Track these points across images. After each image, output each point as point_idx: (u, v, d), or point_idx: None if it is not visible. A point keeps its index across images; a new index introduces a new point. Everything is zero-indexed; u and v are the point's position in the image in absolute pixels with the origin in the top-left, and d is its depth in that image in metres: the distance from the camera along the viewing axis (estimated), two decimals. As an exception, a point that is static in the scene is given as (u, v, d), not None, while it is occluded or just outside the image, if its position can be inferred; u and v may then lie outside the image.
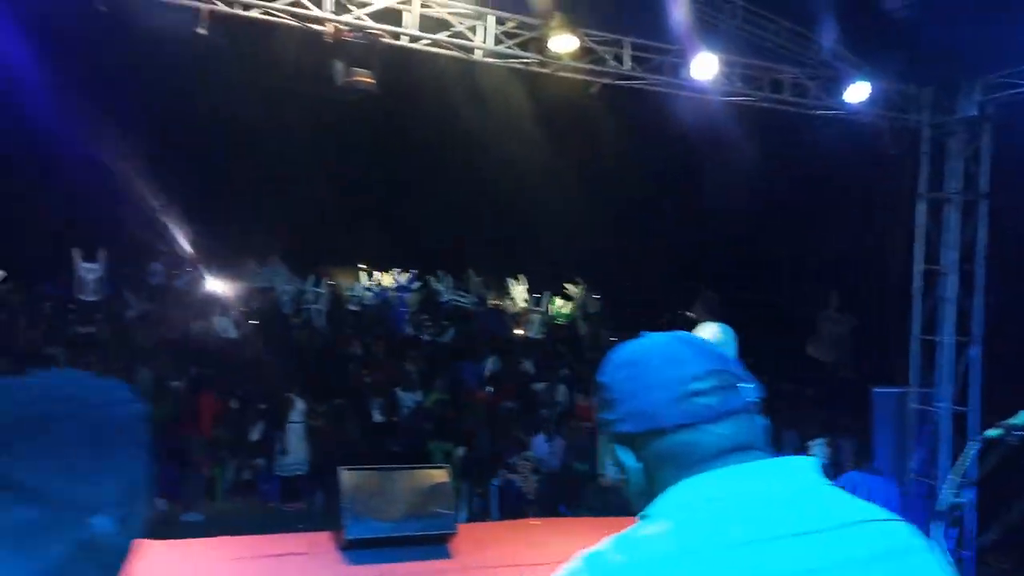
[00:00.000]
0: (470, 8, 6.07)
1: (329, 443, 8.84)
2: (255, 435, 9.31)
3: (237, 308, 12.45)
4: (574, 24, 5.99)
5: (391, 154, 13.31)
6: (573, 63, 6.39)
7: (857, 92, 6.84)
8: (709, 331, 5.31)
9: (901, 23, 6.31)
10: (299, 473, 9.20)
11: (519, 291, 14.83)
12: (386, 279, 14.37)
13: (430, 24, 6.07)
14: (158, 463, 8.78)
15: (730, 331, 5.32)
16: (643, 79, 6.58)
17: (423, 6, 5.93)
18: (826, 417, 8.71)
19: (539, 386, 11.02)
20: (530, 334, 13.52)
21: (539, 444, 9.33)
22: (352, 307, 13.64)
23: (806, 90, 7.03)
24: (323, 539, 6.05)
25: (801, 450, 6.50)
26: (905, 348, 7.83)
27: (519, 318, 14.10)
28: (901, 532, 0.99)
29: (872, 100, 7.00)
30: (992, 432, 3.72)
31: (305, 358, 10.92)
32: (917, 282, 7.71)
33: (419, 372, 10.54)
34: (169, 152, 12.76)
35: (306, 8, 5.64)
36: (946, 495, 4.41)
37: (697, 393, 1.04)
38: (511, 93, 8.21)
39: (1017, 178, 7.43)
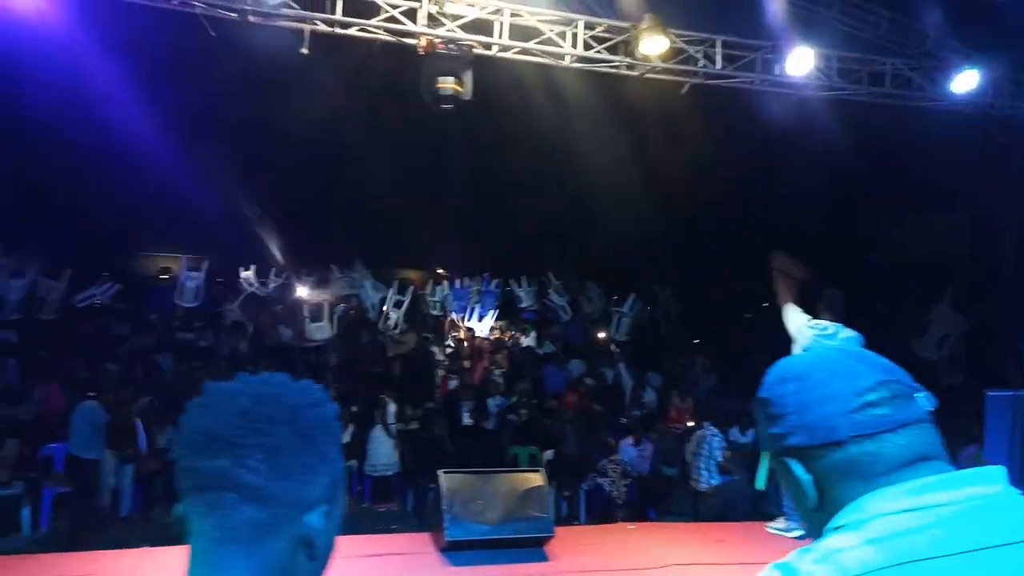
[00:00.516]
0: (559, 14, 6.10)
1: (419, 445, 9.01)
2: (346, 437, 9.58)
3: (326, 313, 12.83)
4: (664, 25, 5.93)
5: (472, 160, 13.47)
6: (662, 64, 6.33)
7: (965, 82, 6.51)
8: (805, 337, 5.15)
9: (1010, 7, 5.98)
10: (389, 474, 9.40)
11: (599, 294, 14.75)
12: (468, 284, 14.53)
13: (519, 32, 6.14)
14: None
15: (857, 336, 5.16)
16: (735, 77, 6.46)
17: (513, 15, 6.00)
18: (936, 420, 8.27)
19: (626, 389, 10.95)
20: (613, 337, 13.43)
21: (627, 448, 9.25)
22: (435, 312, 13.87)
23: (908, 82, 6.74)
24: (421, 540, 6.14)
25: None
26: (1017, 348, 7.39)
27: (601, 321, 14.02)
28: None
29: (980, 90, 6.65)
30: None
31: (392, 361, 11.17)
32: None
33: (504, 376, 10.63)
34: (261, 164, 13.35)
35: (400, 23, 5.80)
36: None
37: (872, 404, 1.02)
38: (594, 97, 8.18)
39: None
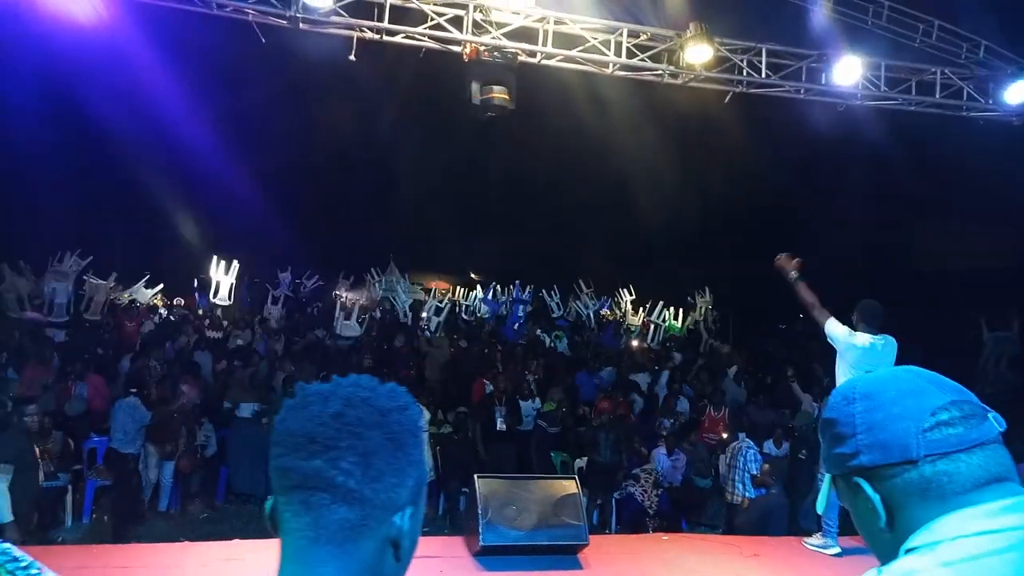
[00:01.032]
0: (603, 23, 6.10)
1: (452, 449, 9.03)
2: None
3: (360, 316, 12.97)
4: (710, 34, 5.90)
5: (507, 167, 13.53)
6: (706, 73, 6.29)
7: (1018, 92, 6.36)
8: (863, 339, 5.08)
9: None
10: (422, 478, 9.43)
11: (630, 303, 14.68)
12: (499, 291, 14.57)
13: (563, 40, 6.15)
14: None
15: (892, 342, 5.08)
16: (780, 86, 6.39)
17: (557, 23, 6.02)
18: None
19: (659, 398, 10.86)
20: (645, 345, 13.34)
21: (660, 457, 9.17)
22: (467, 317, 13.92)
23: (959, 91, 6.60)
24: (455, 544, 6.14)
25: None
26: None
27: (632, 330, 13.95)
28: None
29: (1034, 100, 6.50)
30: None
31: (426, 366, 11.23)
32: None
33: (536, 382, 10.62)
34: (298, 169, 13.57)
35: (447, 31, 5.85)
36: None
37: (945, 423, 1.00)
38: (633, 105, 8.15)
39: None
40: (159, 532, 7.59)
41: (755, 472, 8.30)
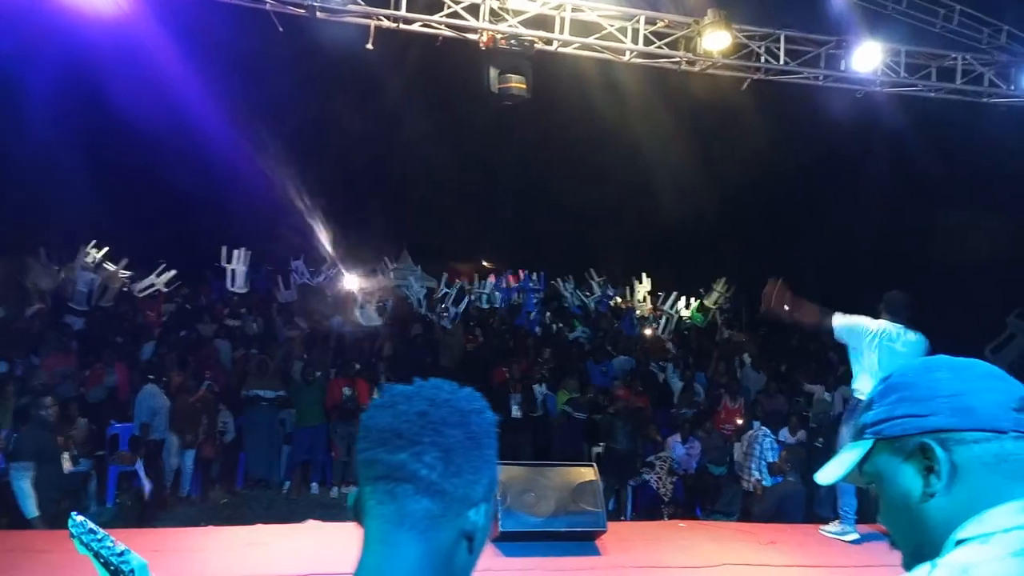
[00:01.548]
0: (620, 10, 6.08)
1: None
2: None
3: (374, 303, 13.02)
4: (727, 20, 5.85)
5: (520, 155, 13.50)
6: (724, 60, 6.25)
7: (1041, 77, 6.29)
8: (872, 323, 4.93)
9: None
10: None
11: (643, 291, 14.65)
12: (512, 279, 14.58)
13: (579, 27, 6.13)
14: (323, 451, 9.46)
15: (922, 340, 4.96)
16: (799, 73, 6.34)
17: (574, 10, 6.00)
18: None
19: (675, 387, 10.88)
20: (659, 334, 13.33)
21: (676, 445, 9.20)
22: (481, 306, 13.95)
23: (979, 77, 6.52)
24: (473, 529, 6.19)
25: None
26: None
27: (647, 318, 13.93)
28: None
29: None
30: None
31: (440, 353, 11.28)
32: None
33: (550, 371, 10.65)
34: (314, 158, 13.61)
35: (463, 19, 5.85)
36: None
37: None
38: (649, 92, 8.11)
39: None
40: (182, 517, 7.72)
41: (773, 460, 8.32)
